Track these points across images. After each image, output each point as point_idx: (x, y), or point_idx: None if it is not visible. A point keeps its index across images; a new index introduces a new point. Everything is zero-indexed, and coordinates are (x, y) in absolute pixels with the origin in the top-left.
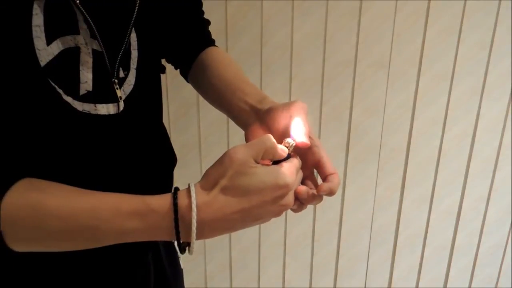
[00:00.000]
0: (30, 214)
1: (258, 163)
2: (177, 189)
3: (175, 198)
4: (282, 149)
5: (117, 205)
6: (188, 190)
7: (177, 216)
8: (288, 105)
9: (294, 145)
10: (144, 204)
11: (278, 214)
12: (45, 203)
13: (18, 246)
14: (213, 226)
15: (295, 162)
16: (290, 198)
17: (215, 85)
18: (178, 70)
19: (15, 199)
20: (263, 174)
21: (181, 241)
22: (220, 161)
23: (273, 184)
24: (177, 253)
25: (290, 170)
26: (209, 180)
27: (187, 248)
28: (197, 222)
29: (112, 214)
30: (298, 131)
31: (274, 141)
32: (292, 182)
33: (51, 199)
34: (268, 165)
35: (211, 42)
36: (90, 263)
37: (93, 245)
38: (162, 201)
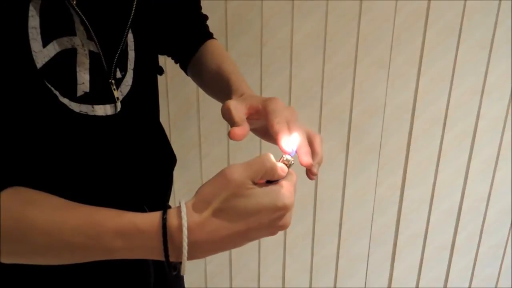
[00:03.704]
0: (14, 227)
1: (255, 183)
2: (168, 207)
3: (164, 218)
4: (282, 169)
5: (104, 223)
6: (179, 209)
7: (166, 237)
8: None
9: (293, 163)
10: (131, 224)
11: (273, 234)
12: (30, 216)
13: (3, 258)
14: (205, 248)
15: (293, 180)
16: (288, 219)
17: (213, 78)
18: (177, 70)
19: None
20: (261, 195)
21: (170, 262)
22: (215, 180)
23: (271, 206)
24: None
25: (289, 190)
26: (202, 200)
27: (178, 267)
28: (188, 243)
29: (98, 232)
30: (295, 147)
31: (274, 161)
32: (291, 203)
33: (36, 212)
34: (265, 184)
35: (210, 36)
36: (90, 262)
37: (79, 260)
38: (150, 220)
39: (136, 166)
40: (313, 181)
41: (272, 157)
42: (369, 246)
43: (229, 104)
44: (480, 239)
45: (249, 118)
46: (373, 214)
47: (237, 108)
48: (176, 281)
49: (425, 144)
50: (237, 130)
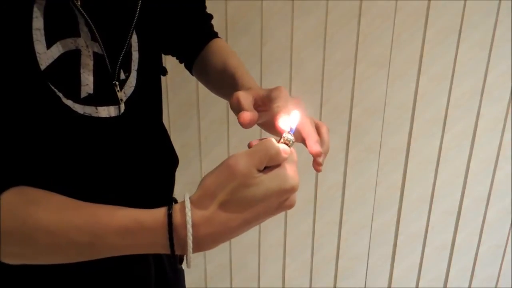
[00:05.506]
0: (19, 228)
1: (260, 171)
2: (173, 201)
3: (169, 214)
4: (285, 151)
5: (109, 221)
6: (183, 205)
7: (172, 235)
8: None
9: (294, 141)
10: (136, 222)
11: (278, 213)
12: (34, 217)
13: (9, 259)
14: (213, 239)
15: (294, 159)
16: (294, 198)
17: (218, 74)
18: (177, 71)
19: (4, 211)
20: (268, 182)
21: (176, 256)
22: (220, 172)
23: (279, 190)
24: None
25: (293, 170)
26: (207, 193)
27: (184, 260)
28: (194, 238)
29: (104, 231)
30: (294, 124)
31: (278, 145)
32: (297, 184)
33: (41, 212)
34: (267, 169)
35: (214, 35)
36: (90, 261)
37: (86, 259)
38: (155, 217)
39: (138, 167)
40: (313, 181)
41: (274, 141)
42: (369, 246)
43: (239, 94)
44: (480, 239)
45: (256, 109)
46: (373, 214)
47: (246, 98)
48: (176, 281)
49: (425, 144)
50: (246, 114)
